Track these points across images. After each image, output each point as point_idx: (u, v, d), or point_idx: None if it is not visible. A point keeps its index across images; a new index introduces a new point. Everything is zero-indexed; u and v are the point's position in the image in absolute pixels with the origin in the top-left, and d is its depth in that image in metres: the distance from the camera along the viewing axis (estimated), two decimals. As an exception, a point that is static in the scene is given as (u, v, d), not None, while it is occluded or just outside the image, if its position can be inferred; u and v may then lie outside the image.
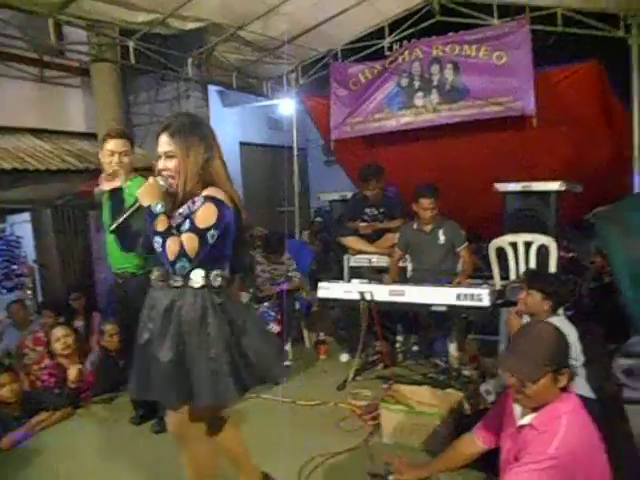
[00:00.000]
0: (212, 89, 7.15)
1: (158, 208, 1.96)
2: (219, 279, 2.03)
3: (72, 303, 5.35)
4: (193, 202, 1.98)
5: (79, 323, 4.98)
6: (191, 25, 4.96)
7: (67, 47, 5.00)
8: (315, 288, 4.52)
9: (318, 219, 8.36)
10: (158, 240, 1.92)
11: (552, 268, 4.12)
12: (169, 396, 2.02)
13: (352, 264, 5.02)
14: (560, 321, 2.98)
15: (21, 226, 6.13)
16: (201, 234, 1.92)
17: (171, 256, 1.89)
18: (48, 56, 5.17)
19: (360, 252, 4.95)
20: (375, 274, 4.73)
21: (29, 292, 6.17)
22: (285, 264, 4.71)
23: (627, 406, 3.13)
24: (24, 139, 4.89)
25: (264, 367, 2.10)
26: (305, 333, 5.09)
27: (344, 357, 4.56)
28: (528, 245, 4.28)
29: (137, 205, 2.06)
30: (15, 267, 6.09)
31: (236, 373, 1.99)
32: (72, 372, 3.76)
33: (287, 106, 7.17)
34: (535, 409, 1.95)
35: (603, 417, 2.60)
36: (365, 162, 5.12)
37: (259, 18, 5.15)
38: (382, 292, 3.92)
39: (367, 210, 4.91)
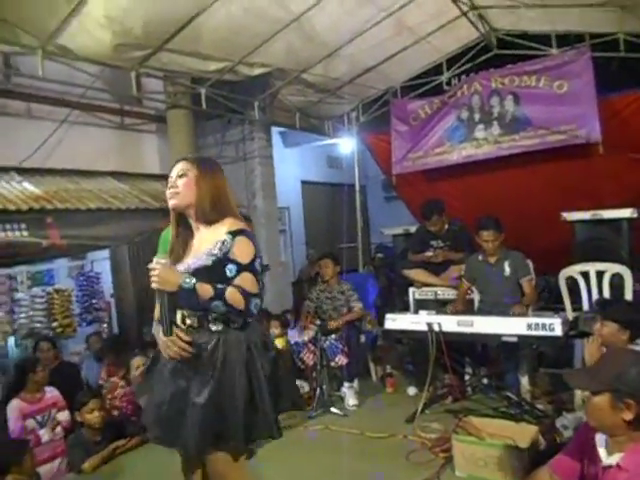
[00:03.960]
0: (274, 130, 7.46)
1: (188, 283, 1.87)
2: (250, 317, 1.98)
3: (145, 336, 5.60)
4: (222, 242, 1.94)
5: (151, 355, 5.17)
6: (258, 71, 5.26)
7: (145, 96, 5.42)
8: (380, 322, 4.54)
9: (379, 255, 8.40)
10: (218, 304, 1.86)
11: (627, 297, 3.97)
12: (237, 437, 1.93)
13: (417, 297, 5.00)
14: (640, 350, 2.87)
15: (100, 263, 6.54)
16: (250, 268, 1.92)
17: (240, 305, 1.85)
18: (128, 105, 5.62)
19: (425, 285, 4.93)
20: (441, 307, 4.69)
21: (105, 325, 6.51)
22: (345, 294, 4.76)
23: None
24: (106, 181, 5.30)
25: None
26: (372, 366, 5.07)
27: (412, 390, 4.51)
28: (600, 274, 4.16)
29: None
30: (94, 301, 6.48)
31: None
32: (149, 400, 3.92)
33: (347, 144, 7.36)
34: (621, 448, 1.83)
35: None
36: (427, 196, 5.16)
37: (321, 61, 5.39)
38: (450, 323, 3.88)
39: (433, 242, 4.90)
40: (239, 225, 1.99)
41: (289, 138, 8.71)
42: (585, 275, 4.23)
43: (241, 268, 1.91)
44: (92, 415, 3.58)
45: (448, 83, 6.05)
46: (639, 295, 5.48)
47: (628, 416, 1.78)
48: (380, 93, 6.49)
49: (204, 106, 5.37)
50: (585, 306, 4.17)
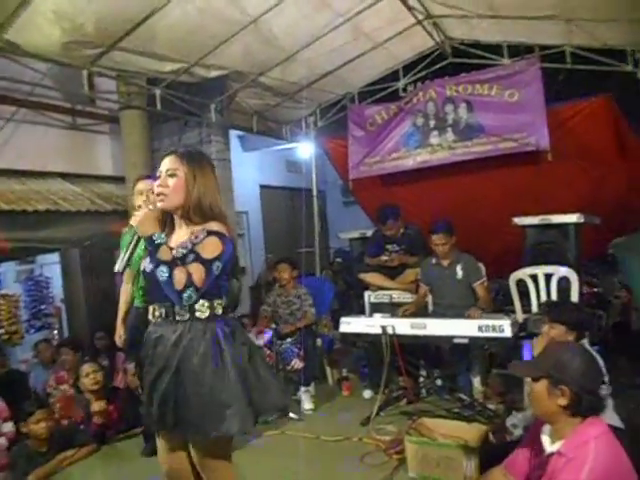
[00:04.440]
0: (232, 134, 7.39)
1: (160, 238, 1.94)
2: (220, 308, 2.04)
3: (96, 342, 5.45)
4: (195, 237, 1.97)
5: (103, 362, 5.05)
6: (214, 73, 5.20)
7: (97, 96, 5.28)
8: (336, 325, 4.55)
9: (338, 259, 8.43)
10: (163, 270, 1.87)
11: (574, 299, 4.10)
12: (201, 428, 1.95)
13: (373, 300, 5.04)
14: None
15: (50, 267, 6.35)
16: (207, 265, 1.92)
17: (179, 285, 1.86)
18: (80, 105, 5.46)
19: (381, 288, 4.98)
20: (396, 310, 4.74)
21: (56, 332, 6.30)
22: (301, 298, 4.76)
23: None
24: (56, 183, 5.16)
25: (274, 394, 2.10)
26: (328, 370, 5.08)
27: (367, 393, 4.54)
28: (549, 277, 4.28)
29: (137, 238, 2.03)
30: (43, 307, 6.28)
31: (252, 399, 1.99)
32: (97, 407, 3.82)
33: (305, 149, 7.37)
34: (561, 436, 1.93)
35: (633, 447, 2.56)
36: (384, 201, 5.21)
37: (278, 65, 5.38)
38: (404, 325, 3.93)
39: (388, 246, 4.96)
40: (219, 228, 1.99)
41: (248, 142, 8.66)
42: (534, 278, 4.35)
43: (198, 258, 1.92)
44: (38, 426, 3.44)
45: (404, 89, 6.14)
46: (587, 297, 5.70)
47: (563, 402, 1.89)
48: (338, 98, 6.53)
49: (159, 107, 5.27)
50: (534, 308, 4.29)
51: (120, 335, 3.46)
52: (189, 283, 1.86)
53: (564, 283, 4.22)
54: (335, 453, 3.49)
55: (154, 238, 1.92)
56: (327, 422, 4.08)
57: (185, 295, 1.87)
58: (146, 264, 2.03)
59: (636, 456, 2.32)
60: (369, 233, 5.53)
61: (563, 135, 5.12)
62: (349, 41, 5.26)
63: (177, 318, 2.00)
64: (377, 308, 4.86)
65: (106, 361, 5.11)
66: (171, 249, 1.96)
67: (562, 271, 4.22)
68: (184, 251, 1.96)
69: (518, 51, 5.55)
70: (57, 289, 6.35)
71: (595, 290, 6.36)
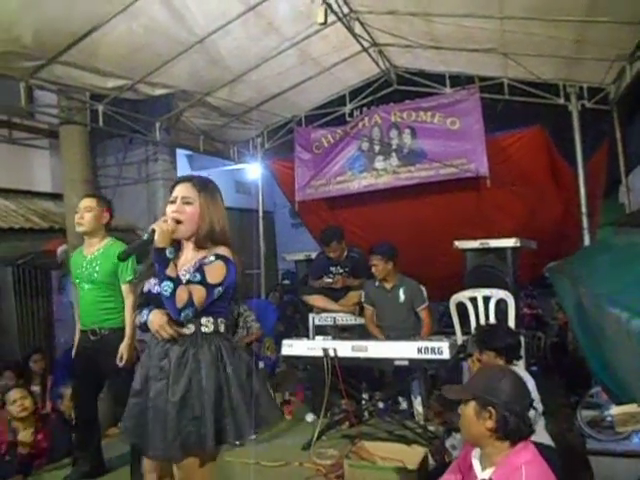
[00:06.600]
0: (181, 153, 7.31)
1: (171, 253, 2.03)
2: (223, 326, 2.16)
3: (32, 365, 5.17)
4: (204, 257, 2.08)
5: (35, 387, 4.80)
6: (159, 91, 5.14)
7: (37, 109, 5.10)
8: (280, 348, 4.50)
9: (286, 281, 8.38)
10: (169, 284, 1.96)
11: (511, 322, 4.21)
12: (202, 441, 2.01)
13: (317, 323, 5.02)
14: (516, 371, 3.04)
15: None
16: (209, 289, 2.02)
17: (179, 304, 1.96)
18: (17, 118, 5.26)
19: (324, 310, 4.97)
20: (340, 332, 4.75)
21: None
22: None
23: (591, 457, 3.17)
24: (-12, 198, 4.91)
25: (265, 410, 2.18)
26: (271, 393, 4.99)
27: (310, 417, 4.48)
28: (487, 300, 4.38)
29: (149, 240, 2.03)
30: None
31: (250, 411, 2.07)
32: (24, 436, 3.60)
33: (254, 170, 7.36)
34: (492, 462, 1.93)
35: (563, 465, 2.63)
36: (329, 223, 5.25)
37: (225, 85, 5.38)
38: (345, 348, 3.92)
39: (332, 269, 4.98)
40: (225, 252, 2.10)
41: (196, 162, 8.56)
42: (473, 300, 4.44)
43: (202, 281, 2.02)
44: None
45: (350, 114, 6.26)
46: (527, 319, 5.87)
47: (490, 424, 1.88)
48: (285, 120, 6.59)
49: (101, 123, 5.14)
50: (473, 330, 4.37)
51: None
52: (189, 303, 1.97)
53: (502, 305, 4.33)
54: (275, 479, 3.42)
55: (167, 252, 2.01)
56: (268, 447, 3.99)
57: (184, 313, 1.97)
58: (151, 284, 2.12)
59: (566, 474, 2.39)
60: (314, 255, 5.53)
61: (501, 162, 5.33)
62: (296, 65, 5.34)
63: (184, 332, 2.07)
64: (321, 330, 4.85)
65: (37, 386, 4.85)
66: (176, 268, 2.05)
67: (500, 294, 4.33)
68: (188, 275, 2.05)
69: (459, 81, 5.78)
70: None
71: (535, 312, 6.59)
